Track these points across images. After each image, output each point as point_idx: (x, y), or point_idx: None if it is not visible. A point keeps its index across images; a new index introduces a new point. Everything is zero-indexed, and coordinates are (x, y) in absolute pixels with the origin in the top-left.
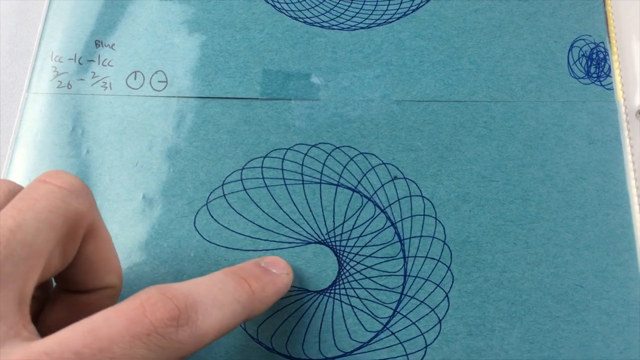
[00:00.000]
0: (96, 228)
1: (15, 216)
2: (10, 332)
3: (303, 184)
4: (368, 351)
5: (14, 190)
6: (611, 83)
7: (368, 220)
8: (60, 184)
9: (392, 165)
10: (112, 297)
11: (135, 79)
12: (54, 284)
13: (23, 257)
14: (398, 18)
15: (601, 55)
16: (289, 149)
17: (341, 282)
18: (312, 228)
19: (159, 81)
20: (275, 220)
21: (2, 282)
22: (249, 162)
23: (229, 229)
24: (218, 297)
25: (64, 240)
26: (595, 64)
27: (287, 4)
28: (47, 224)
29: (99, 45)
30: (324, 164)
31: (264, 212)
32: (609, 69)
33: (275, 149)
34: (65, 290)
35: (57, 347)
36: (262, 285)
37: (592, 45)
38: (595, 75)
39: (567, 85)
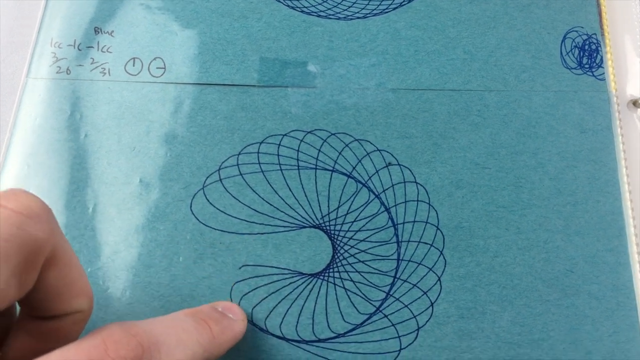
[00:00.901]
0: (58, 254)
1: None
2: None
3: (298, 169)
4: (361, 333)
5: None
6: (603, 74)
7: (362, 206)
8: (17, 207)
9: (387, 151)
10: (81, 321)
11: (133, 65)
12: (18, 308)
13: None
14: (394, 8)
15: (593, 47)
16: (285, 135)
17: (335, 265)
18: (306, 212)
19: (157, 67)
20: (271, 205)
21: None
22: (245, 147)
23: (224, 212)
24: (181, 337)
25: (20, 269)
26: (587, 55)
27: None
28: (3, 256)
29: (98, 32)
30: (319, 150)
31: (259, 196)
32: (601, 60)
33: (271, 135)
34: (30, 316)
35: None
36: (221, 329)
37: (585, 37)
38: (587, 66)
39: (559, 76)
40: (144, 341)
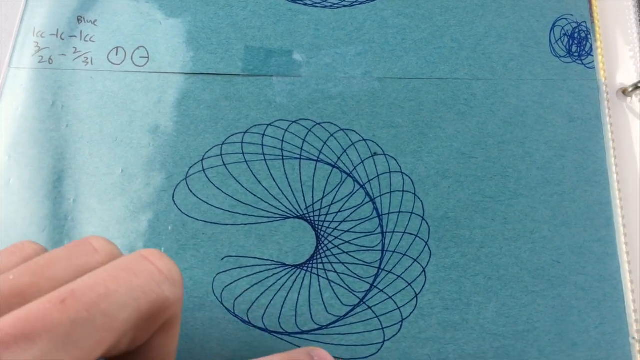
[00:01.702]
0: (174, 321)
1: (109, 285)
2: None
3: (283, 159)
4: (344, 325)
5: (114, 254)
6: (592, 62)
7: (347, 196)
8: (162, 267)
9: (372, 141)
10: None
11: (116, 55)
12: None
13: (99, 328)
14: None
15: (583, 35)
16: (270, 124)
17: (319, 256)
18: (290, 203)
19: (140, 57)
20: (254, 195)
21: (68, 346)
22: (229, 137)
23: (207, 203)
24: None
25: (142, 324)
26: (576, 43)
27: None
28: (135, 304)
29: (81, 21)
30: (304, 140)
31: (243, 187)
32: (590, 48)
33: (256, 125)
34: None
35: None
36: None
37: (574, 25)
38: (576, 54)
39: (548, 64)
40: None
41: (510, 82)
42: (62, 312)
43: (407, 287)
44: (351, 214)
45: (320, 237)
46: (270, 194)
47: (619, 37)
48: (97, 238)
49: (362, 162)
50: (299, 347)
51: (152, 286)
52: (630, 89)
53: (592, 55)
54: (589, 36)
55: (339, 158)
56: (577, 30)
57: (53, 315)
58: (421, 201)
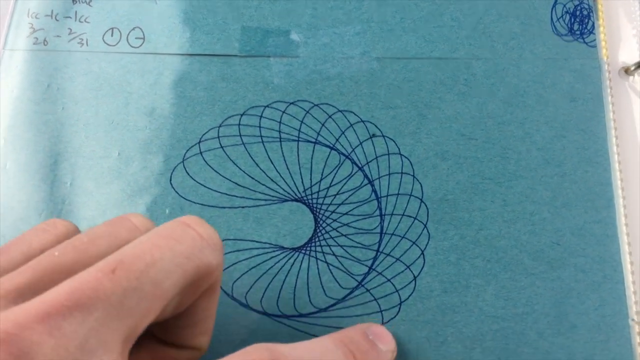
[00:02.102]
0: (215, 287)
1: (155, 253)
2: None
3: (280, 141)
4: (343, 308)
5: (148, 226)
6: (594, 40)
7: (345, 178)
8: (203, 233)
9: (371, 123)
10: (195, 359)
11: (112, 36)
12: None
13: (149, 295)
14: None
15: (585, 12)
16: (267, 106)
17: (317, 239)
18: (288, 186)
19: (136, 38)
20: (252, 178)
21: (122, 314)
22: (226, 119)
23: (205, 186)
24: None
25: (187, 290)
26: (578, 20)
27: None
28: (180, 270)
29: (76, 2)
30: (302, 122)
31: (240, 169)
32: (593, 26)
33: (253, 107)
34: (155, 337)
35: None
36: None
37: (576, 2)
38: (578, 32)
39: (549, 43)
40: None
41: (510, 61)
42: (114, 282)
43: (405, 269)
44: (349, 196)
45: (319, 219)
46: (268, 176)
47: (622, 14)
48: (136, 215)
49: (361, 143)
50: (298, 330)
51: (195, 252)
52: (632, 68)
53: (594, 34)
54: (591, 14)
55: (337, 140)
56: (579, 7)
57: (105, 284)
58: (420, 183)
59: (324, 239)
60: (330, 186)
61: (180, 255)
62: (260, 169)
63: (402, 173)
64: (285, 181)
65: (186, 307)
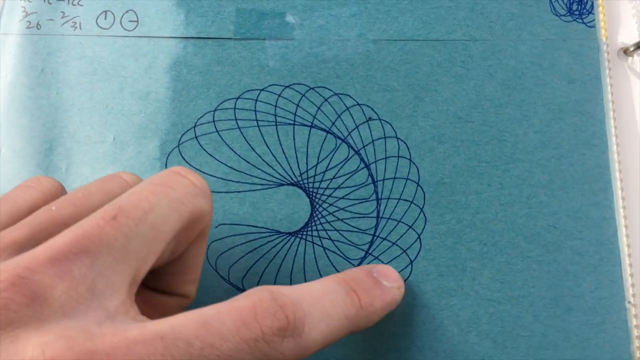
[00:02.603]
0: (205, 232)
1: (151, 199)
2: (120, 308)
3: (276, 125)
4: None
5: (139, 182)
6: (593, 20)
7: (342, 162)
8: (194, 181)
9: (367, 106)
10: (182, 307)
11: (105, 19)
12: None
13: (149, 239)
14: None
15: None
16: (263, 90)
17: (313, 223)
18: (284, 170)
19: (129, 21)
20: (248, 162)
21: (126, 258)
22: (221, 103)
23: (200, 170)
24: (327, 309)
25: (182, 234)
26: (577, 0)
27: None
28: (176, 214)
29: None
30: (297, 105)
31: (236, 153)
32: (592, 6)
33: (249, 90)
34: (146, 286)
35: (170, 332)
36: (370, 300)
37: None
38: (577, 12)
39: (548, 23)
40: (290, 313)
41: (508, 42)
42: (116, 228)
43: (402, 254)
44: (346, 180)
45: (315, 204)
46: (264, 160)
47: None
48: (127, 173)
49: (357, 127)
50: None
51: (189, 198)
52: (631, 49)
53: (593, 14)
54: None
55: (333, 123)
56: None
57: (108, 230)
58: (416, 167)
59: (320, 223)
60: (326, 170)
61: (176, 201)
62: (256, 153)
63: (398, 157)
64: (281, 165)
65: (179, 253)
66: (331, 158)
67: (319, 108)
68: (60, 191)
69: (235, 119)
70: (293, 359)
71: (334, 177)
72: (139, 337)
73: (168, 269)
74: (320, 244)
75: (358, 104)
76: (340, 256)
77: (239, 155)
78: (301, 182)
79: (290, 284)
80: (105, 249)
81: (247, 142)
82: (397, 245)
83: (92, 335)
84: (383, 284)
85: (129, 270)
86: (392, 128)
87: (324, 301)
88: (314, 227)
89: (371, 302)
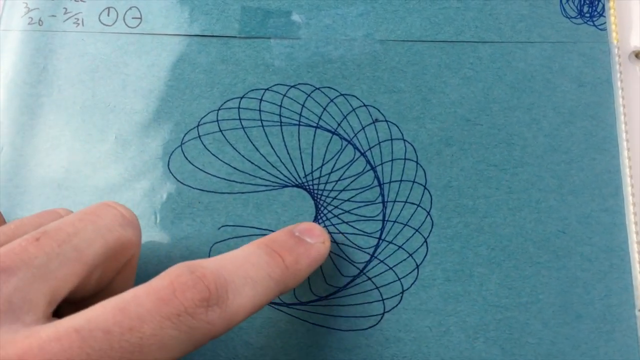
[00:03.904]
0: (133, 263)
1: (77, 225)
2: (37, 323)
3: (281, 125)
4: (344, 296)
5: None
6: (604, 23)
7: (347, 164)
8: (123, 212)
9: (374, 107)
10: None
11: (108, 15)
12: None
13: (71, 260)
14: None
15: None
16: (267, 89)
17: None
18: (289, 171)
19: (133, 17)
20: (252, 163)
21: (45, 276)
22: (225, 102)
23: (203, 171)
24: (250, 274)
25: (108, 262)
26: (588, 3)
27: None
28: (102, 240)
29: None
30: (303, 105)
31: (240, 154)
32: (603, 8)
33: (253, 90)
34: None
35: (86, 324)
36: (295, 258)
37: None
38: (588, 14)
39: (558, 25)
40: (211, 283)
41: (518, 44)
42: (38, 248)
43: (408, 257)
44: (351, 182)
45: (320, 206)
46: (268, 161)
47: None
48: (64, 209)
49: (363, 128)
50: (298, 318)
51: (116, 226)
52: None
53: (604, 16)
54: None
55: (339, 124)
56: None
57: (30, 250)
58: (423, 169)
59: (325, 225)
60: (331, 172)
61: (102, 228)
62: (260, 153)
63: (405, 159)
64: (285, 166)
65: (106, 283)
66: (336, 159)
67: (324, 108)
68: None
69: (240, 119)
70: (223, 327)
71: (339, 179)
72: (52, 335)
73: (95, 300)
74: None
75: (364, 105)
76: (345, 259)
77: (243, 156)
78: (306, 184)
79: (294, 288)
80: (24, 266)
81: (251, 142)
82: (403, 249)
83: (4, 342)
84: (306, 240)
85: (47, 288)
86: (399, 130)
87: (246, 266)
88: None
89: (296, 260)
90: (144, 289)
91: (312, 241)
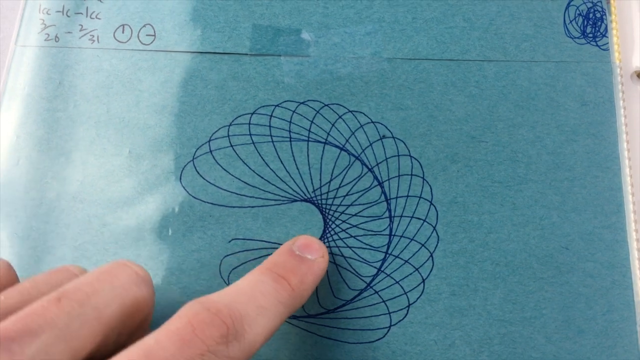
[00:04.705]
0: (147, 322)
1: (95, 285)
2: None
3: (290, 141)
4: (351, 309)
5: (82, 273)
6: (607, 44)
7: (355, 179)
8: (138, 271)
9: (381, 124)
10: None
11: (123, 32)
12: None
13: (91, 320)
14: None
15: (598, 15)
16: (277, 105)
17: (326, 240)
18: (298, 186)
19: (147, 35)
20: (262, 177)
21: (68, 336)
22: (236, 118)
23: (214, 185)
24: (261, 303)
25: (125, 321)
26: (591, 23)
27: None
28: (119, 299)
29: None
30: (312, 122)
31: (250, 168)
32: (605, 29)
33: (263, 106)
34: None
35: None
36: (300, 279)
37: (590, 5)
38: (591, 35)
39: (562, 45)
40: (227, 318)
41: (522, 64)
42: (60, 308)
43: (414, 272)
44: (359, 197)
45: (328, 220)
46: (278, 176)
47: (636, 18)
48: (75, 265)
49: (371, 144)
50: (306, 331)
51: (132, 285)
52: None
53: (607, 37)
54: (604, 17)
55: (347, 140)
56: (592, 10)
57: (52, 311)
58: (429, 185)
59: (333, 240)
60: (339, 187)
61: (119, 287)
62: (270, 168)
63: (411, 175)
64: (294, 181)
65: (122, 344)
66: (344, 175)
67: (333, 125)
68: (11, 280)
69: (250, 134)
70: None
71: (347, 194)
72: None
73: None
74: (332, 260)
75: (372, 122)
76: (353, 273)
77: (253, 171)
78: (314, 199)
79: None
80: (47, 328)
81: (262, 157)
82: (410, 263)
83: None
84: (307, 258)
85: (69, 348)
86: (406, 146)
87: (256, 296)
88: (327, 244)
89: (301, 281)
90: (164, 333)
91: (313, 257)
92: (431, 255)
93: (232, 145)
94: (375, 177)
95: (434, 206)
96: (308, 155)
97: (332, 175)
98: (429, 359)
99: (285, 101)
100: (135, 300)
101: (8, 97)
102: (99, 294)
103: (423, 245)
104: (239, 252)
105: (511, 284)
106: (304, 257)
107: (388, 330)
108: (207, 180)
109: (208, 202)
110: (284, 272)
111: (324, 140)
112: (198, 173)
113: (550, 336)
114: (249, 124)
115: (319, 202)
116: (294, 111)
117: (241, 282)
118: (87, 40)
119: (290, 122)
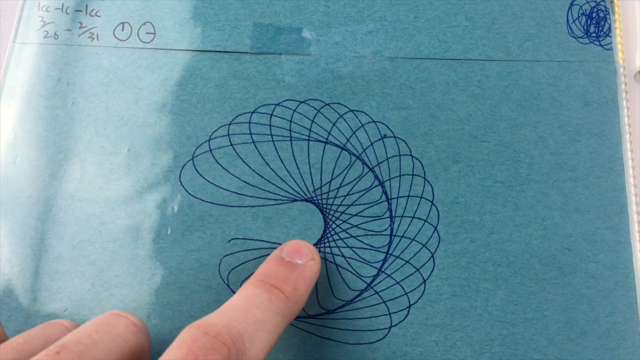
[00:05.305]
0: None
1: (94, 336)
2: None
3: (291, 140)
4: (351, 310)
5: (75, 328)
6: (610, 43)
7: (356, 179)
8: (134, 320)
9: (382, 123)
10: None
11: (122, 30)
12: None
13: None
14: None
15: (601, 15)
16: (278, 104)
17: (326, 240)
18: (298, 185)
19: (146, 33)
20: (262, 177)
21: None
22: (236, 117)
23: (214, 184)
24: (258, 317)
25: None
26: (594, 23)
27: None
28: (118, 350)
29: None
30: (312, 121)
31: (250, 168)
32: (609, 28)
33: (264, 105)
34: None
35: None
36: (293, 286)
37: (593, 4)
38: (594, 34)
39: (564, 45)
40: (227, 340)
41: (524, 63)
42: None
43: (415, 272)
44: (359, 197)
45: (328, 220)
46: (278, 175)
47: (639, 17)
48: (67, 320)
49: (372, 144)
50: (306, 331)
51: (130, 335)
52: None
53: (610, 36)
54: (607, 16)
55: (348, 140)
56: (595, 9)
57: None
58: (431, 185)
59: (333, 240)
60: (340, 187)
61: (117, 337)
62: (270, 168)
63: (413, 175)
64: (295, 181)
65: None
66: (345, 175)
67: (334, 124)
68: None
69: (250, 133)
70: None
71: (347, 194)
72: None
73: None
74: (332, 260)
75: (373, 121)
76: (353, 273)
77: (253, 170)
78: (315, 198)
79: None
80: None
81: (262, 156)
82: (411, 263)
83: None
84: (297, 263)
85: None
86: (407, 146)
87: (252, 311)
88: (327, 244)
89: (294, 288)
90: None
91: (302, 261)
92: (432, 256)
93: (232, 144)
94: (376, 177)
95: (435, 206)
96: (308, 155)
97: (332, 175)
98: None
99: (285, 100)
100: (134, 349)
101: (6, 94)
102: (98, 345)
103: (424, 245)
104: (238, 251)
105: (513, 285)
106: (294, 263)
107: (388, 331)
108: (206, 180)
109: (207, 202)
110: (276, 282)
111: (324, 140)
112: (198, 172)
113: (552, 338)
114: (249, 122)
115: (320, 202)
116: (294, 110)
117: (235, 299)
118: (87, 38)
119: (290, 121)
